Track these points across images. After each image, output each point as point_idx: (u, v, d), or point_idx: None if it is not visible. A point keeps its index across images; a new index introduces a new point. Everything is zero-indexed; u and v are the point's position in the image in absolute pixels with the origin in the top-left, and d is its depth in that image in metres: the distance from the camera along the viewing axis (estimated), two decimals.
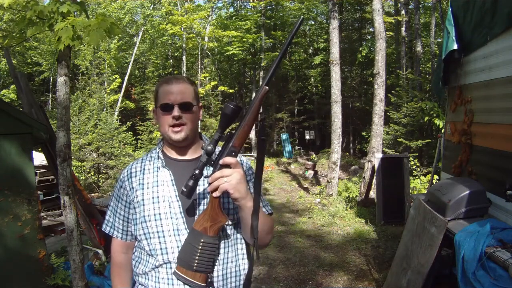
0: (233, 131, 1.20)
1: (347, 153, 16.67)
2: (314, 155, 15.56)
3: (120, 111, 15.83)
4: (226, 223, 1.25)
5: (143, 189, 1.31)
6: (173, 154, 1.36)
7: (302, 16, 1.34)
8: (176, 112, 1.26)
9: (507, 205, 2.71)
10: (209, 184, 1.15)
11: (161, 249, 1.26)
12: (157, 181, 1.31)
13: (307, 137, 17.72)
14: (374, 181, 6.50)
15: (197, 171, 1.17)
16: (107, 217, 1.42)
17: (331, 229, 5.96)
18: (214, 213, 1.19)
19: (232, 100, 20.65)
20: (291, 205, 7.85)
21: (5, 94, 13.84)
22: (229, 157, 1.16)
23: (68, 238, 2.56)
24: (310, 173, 11.52)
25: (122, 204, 1.37)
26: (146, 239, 1.29)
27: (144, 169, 1.35)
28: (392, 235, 5.37)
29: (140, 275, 1.32)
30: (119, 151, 11.12)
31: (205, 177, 1.22)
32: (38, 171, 6.26)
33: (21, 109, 3.88)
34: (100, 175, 10.74)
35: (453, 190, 2.90)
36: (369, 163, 7.12)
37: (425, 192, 5.34)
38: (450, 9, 3.81)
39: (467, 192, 2.81)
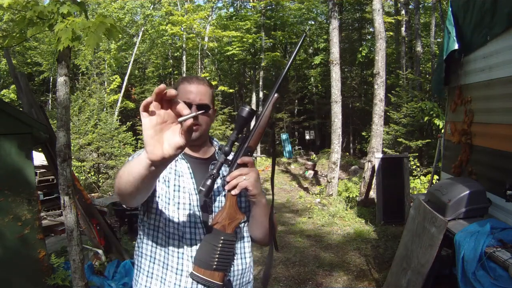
0: (247, 133, 1.25)
1: (347, 153, 16.67)
2: (314, 155, 15.56)
3: (120, 111, 15.82)
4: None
5: (166, 170, 1.29)
6: (187, 151, 1.38)
7: (305, 33, 1.42)
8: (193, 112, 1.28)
9: (507, 205, 2.71)
10: (227, 182, 1.19)
11: (174, 234, 1.26)
12: (176, 171, 1.32)
13: (307, 137, 17.72)
14: (374, 181, 6.51)
15: (214, 171, 1.20)
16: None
17: (331, 229, 5.95)
18: (233, 211, 1.23)
19: (232, 100, 20.70)
20: (291, 205, 7.85)
21: (5, 94, 13.83)
22: (246, 157, 1.22)
23: (68, 238, 2.56)
24: (310, 173, 11.52)
25: None
26: (164, 224, 1.27)
27: None
28: (392, 235, 5.37)
29: (147, 267, 1.30)
30: (119, 151, 11.12)
31: (223, 176, 1.28)
32: (38, 171, 6.26)
33: (21, 109, 3.88)
34: (100, 175, 10.75)
35: (453, 190, 2.90)
36: (369, 163, 7.12)
37: (425, 192, 5.34)
38: (450, 9, 3.81)
39: (467, 192, 2.80)
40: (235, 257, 1.33)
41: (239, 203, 1.33)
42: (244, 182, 1.19)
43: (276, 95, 1.24)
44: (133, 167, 0.96)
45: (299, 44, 1.27)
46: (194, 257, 1.22)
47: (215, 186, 1.32)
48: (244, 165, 1.21)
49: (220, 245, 1.19)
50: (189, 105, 1.29)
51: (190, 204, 1.28)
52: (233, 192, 1.20)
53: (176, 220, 1.26)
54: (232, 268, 1.31)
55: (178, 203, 1.28)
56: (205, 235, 1.26)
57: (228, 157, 1.23)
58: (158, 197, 1.28)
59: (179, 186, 1.30)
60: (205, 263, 1.19)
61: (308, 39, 19.51)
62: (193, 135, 1.28)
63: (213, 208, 1.31)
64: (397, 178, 6.08)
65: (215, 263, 1.19)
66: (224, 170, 1.30)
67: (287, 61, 1.26)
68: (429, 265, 2.67)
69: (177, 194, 1.29)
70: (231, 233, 1.22)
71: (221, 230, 1.21)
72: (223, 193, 1.33)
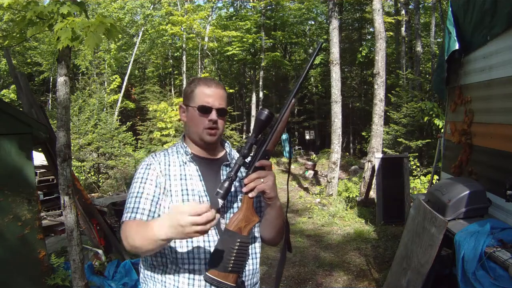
0: (265, 137, 1.28)
1: (347, 153, 16.68)
2: (314, 155, 15.55)
3: (120, 111, 15.81)
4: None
5: (170, 180, 1.30)
6: (196, 151, 1.38)
7: (321, 41, 1.46)
8: (214, 116, 1.31)
9: (507, 205, 2.71)
10: (245, 184, 1.22)
11: (186, 241, 1.26)
12: (185, 175, 1.32)
13: (307, 137, 17.72)
14: (374, 181, 6.50)
15: (232, 173, 1.22)
16: (129, 205, 1.25)
17: (331, 229, 5.95)
18: (249, 213, 1.25)
19: (232, 100, 20.69)
20: (291, 205, 7.85)
21: (5, 94, 13.81)
22: (264, 160, 1.25)
23: (68, 238, 2.56)
24: (310, 173, 11.52)
25: (152, 185, 1.27)
26: None
27: (169, 161, 1.34)
28: (392, 235, 5.37)
29: (156, 274, 1.29)
30: (119, 151, 11.13)
31: (240, 179, 1.29)
32: (38, 171, 6.27)
33: (21, 109, 3.88)
34: (100, 175, 10.75)
35: (453, 190, 2.90)
36: (369, 163, 7.12)
37: (425, 192, 5.33)
38: (450, 9, 3.80)
39: (467, 192, 2.80)
40: (247, 257, 1.33)
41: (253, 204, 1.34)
42: (262, 185, 1.21)
43: (293, 100, 1.28)
44: (149, 240, 1.08)
45: (316, 51, 1.32)
46: (209, 259, 1.22)
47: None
48: (262, 168, 1.24)
49: (237, 247, 1.20)
50: (209, 109, 1.31)
51: None
52: (250, 195, 1.22)
53: None
54: (245, 268, 1.31)
55: None
56: (217, 236, 1.26)
57: (246, 160, 1.25)
58: (168, 208, 1.28)
59: (187, 189, 1.29)
60: (220, 265, 1.19)
61: (308, 39, 19.53)
62: (212, 138, 1.33)
63: (225, 209, 1.31)
64: (397, 178, 6.08)
65: (231, 265, 1.19)
66: (240, 173, 1.31)
67: (304, 67, 1.30)
68: (429, 265, 2.67)
69: (186, 198, 1.28)
70: (247, 235, 1.23)
71: (237, 232, 1.22)
72: (238, 195, 1.34)
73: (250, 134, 1.29)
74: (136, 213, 1.23)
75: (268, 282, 4.07)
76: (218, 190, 1.19)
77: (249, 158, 1.28)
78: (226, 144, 1.47)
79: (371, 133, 7.41)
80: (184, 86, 1.39)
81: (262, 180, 1.21)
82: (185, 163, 1.34)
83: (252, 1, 17.33)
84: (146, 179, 1.28)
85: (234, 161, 1.41)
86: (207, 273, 1.20)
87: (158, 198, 1.26)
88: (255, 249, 1.38)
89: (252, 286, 1.37)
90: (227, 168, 1.38)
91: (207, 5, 17.59)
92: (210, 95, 1.32)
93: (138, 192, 1.26)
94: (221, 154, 1.42)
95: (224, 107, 1.34)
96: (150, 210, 1.24)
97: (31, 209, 2.95)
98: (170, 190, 1.28)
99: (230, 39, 16.42)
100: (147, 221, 1.21)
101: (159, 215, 1.25)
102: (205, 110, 1.31)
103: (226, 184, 1.19)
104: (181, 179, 1.30)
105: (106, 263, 3.76)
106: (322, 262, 4.63)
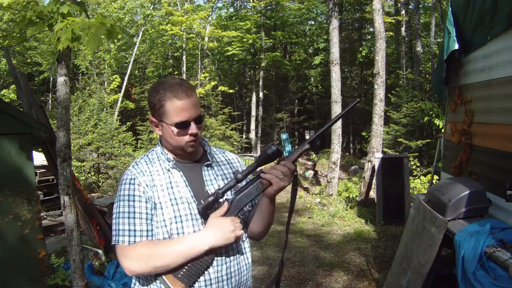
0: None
1: (347, 153, 16.67)
2: (314, 155, 15.55)
3: (120, 111, 15.80)
4: None
5: (157, 191, 1.26)
6: (177, 158, 1.36)
7: (358, 99, 1.52)
8: (194, 129, 1.26)
9: (507, 205, 2.71)
10: (264, 173, 1.25)
11: None
12: (171, 182, 1.28)
13: (307, 137, 17.64)
14: (374, 181, 6.50)
15: (220, 191, 1.23)
16: (123, 227, 1.22)
17: (331, 229, 5.95)
18: None
19: (232, 100, 20.69)
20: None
21: (5, 94, 13.80)
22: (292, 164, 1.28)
23: (68, 238, 2.56)
24: (310, 173, 11.52)
25: (141, 201, 1.24)
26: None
27: (153, 170, 1.30)
28: (392, 235, 5.37)
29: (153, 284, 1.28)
30: (119, 151, 11.12)
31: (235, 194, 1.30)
32: (38, 171, 6.27)
33: (21, 109, 3.88)
34: (100, 175, 10.75)
35: (453, 190, 2.90)
36: (369, 163, 7.12)
37: (425, 192, 5.33)
38: (450, 9, 3.81)
39: (467, 192, 2.80)
40: (238, 254, 1.33)
41: (242, 213, 1.32)
42: (279, 182, 1.23)
43: (307, 146, 1.28)
44: (191, 254, 1.19)
45: (350, 107, 1.40)
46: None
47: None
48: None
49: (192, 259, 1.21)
50: (188, 124, 1.25)
51: (191, 214, 1.27)
52: (262, 175, 1.24)
53: (180, 233, 1.25)
54: (236, 267, 1.31)
55: (180, 215, 1.25)
56: None
57: (238, 184, 1.26)
58: (164, 221, 1.26)
59: (175, 198, 1.26)
60: (176, 270, 1.19)
61: (308, 39, 19.52)
62: (194, 148, 1.31)
63: (204, 221, 1.30)
64: (397, 178, 6.07)
65: (181, 273, 1.19)
66: (231, 193, 1.31)
67: (329, 121, 1.35)
68: (429, 265, 2.67)
69: (176, 208, 1.25)
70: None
71: None
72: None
73: (253, 162, 1.30)
74: (135, 236, 1.21)
75: (268, 282, 4.07)
76: (201, 201, 1.23)
77: (243, 183, 1.29)
78: (204, 142, 1.42)
79: (371, 133, 7.42)
80: (148, 95, 1.26)
81: (281, 176, 1.22)
82: (169, 170, 1.30)
83: (252, 1, 17.33)
84: (134, 195, 1.24)
85: (215, 158, 1.42)
86: (162, 275, 1.20)
87: (152, 214, 1.24)
88: (244, 243, 1.38)
89: (248, 280, 1.38)
90: (209, 169, 1.36)
91: (207, 5, 17.60)
92: (184, 108, 1.23)
93: (129, 212, 1.22)
94: (201, 154, 1.39)
95: (199, 113, 1.28)
96: (147, 230, 1.23)
97: (31, 209, 2.95)
98: (160, 202, 1.25)
99: (230, 39, 16.41)
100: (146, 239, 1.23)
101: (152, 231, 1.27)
102: (183, 126, 1.25)
103: (210, 199, 1.22)
104: (167, 188, 1.27)
105: (106, 263, 3.76)
106: (322, 262, 4.63)
